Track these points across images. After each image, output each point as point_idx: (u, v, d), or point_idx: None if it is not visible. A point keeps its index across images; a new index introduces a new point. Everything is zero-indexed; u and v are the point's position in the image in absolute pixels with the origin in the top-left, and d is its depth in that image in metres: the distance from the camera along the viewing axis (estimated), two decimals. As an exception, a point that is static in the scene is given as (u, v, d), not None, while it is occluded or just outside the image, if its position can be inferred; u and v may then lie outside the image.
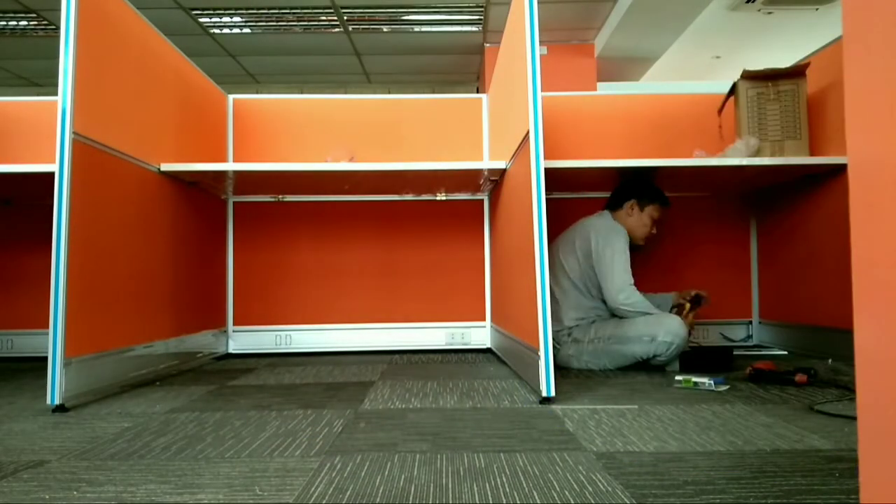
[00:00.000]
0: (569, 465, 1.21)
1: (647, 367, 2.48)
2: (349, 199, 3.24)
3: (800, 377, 2.02)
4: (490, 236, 3.21)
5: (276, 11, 6.07)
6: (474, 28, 6.52)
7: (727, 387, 2.00)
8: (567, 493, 1.06)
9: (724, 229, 3.24)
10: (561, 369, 2.43)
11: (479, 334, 3.21)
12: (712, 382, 2.00)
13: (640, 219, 2.64)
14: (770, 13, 6.14)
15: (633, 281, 2.47)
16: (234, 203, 3.22)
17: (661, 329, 2.36)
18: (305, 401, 1.93)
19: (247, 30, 6.51)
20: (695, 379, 2.04)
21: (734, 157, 2.58)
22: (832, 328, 2.60)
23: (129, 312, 2.22)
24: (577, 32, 6.49)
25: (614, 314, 2.52)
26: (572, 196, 3.22)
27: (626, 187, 2.69)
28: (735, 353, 2.55)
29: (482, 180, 2.87)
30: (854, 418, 1.94)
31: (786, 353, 2.46)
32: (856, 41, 0.57)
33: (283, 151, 3.20)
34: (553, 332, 2.45)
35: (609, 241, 2.50)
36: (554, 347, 2.49)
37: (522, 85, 1.97)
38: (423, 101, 3.33)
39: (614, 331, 2.46)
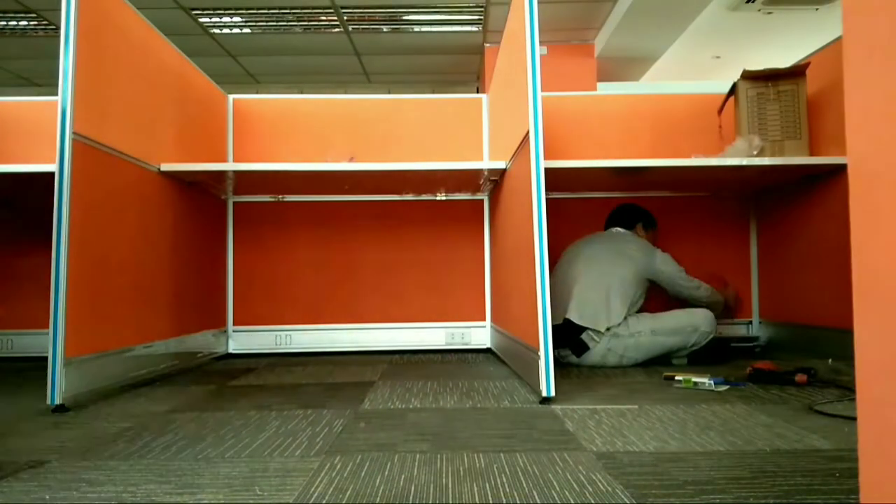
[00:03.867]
0: (569, 465, 1.21)
1: (646, 367, 2.49)
2: (349, 199, 3.24)
3: (800, 377, 2.02)
4: (490, 236, 3.21)
5: (276, 11, 6.06)
6: (474, 28, 6.52)
7: (727, 387, 2.00)
8: (567, 493, 1.06)
9: (724, 229, 3.24)
10: (562, 368, 2.43)
11: (479, 334, 3.21)
12: (712, 382, 2.00)
13: (647, 238, 2.87)
14: (770, 13, 6.14)
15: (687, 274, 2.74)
16: (234, 203, 3.22)
17: (704, 320, 2.54)
18: (305, 401, 1.93)
19: (247, 30, 6.51)
20: (695, 379, 2.04)
21: (736, 156, 2.58)
22: (832, 328, 2.60)
23: (129, 312, 2.22)
24: (577, 32, 6.49)
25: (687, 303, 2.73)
26: (572, 196, 3.22)
27: (633, 211, 2.93)
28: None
29: (482, 180, 2.87)
30: (854, 418, 1.94)
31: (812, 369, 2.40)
32: (856, 41, 0.57)
33: (283, 151, 3.20)
34: (588, 330, 2.50)
35: (664, 259, 2.68)
36: (584, 347, 2.51)
37: (522, 85, 1.97)
38: (423, 101, 3.33)
39: (654, 324, 2.53)
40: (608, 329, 2.50)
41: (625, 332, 2.50)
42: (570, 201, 3.22)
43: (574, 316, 2.54)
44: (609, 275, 2.58)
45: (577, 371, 2.46)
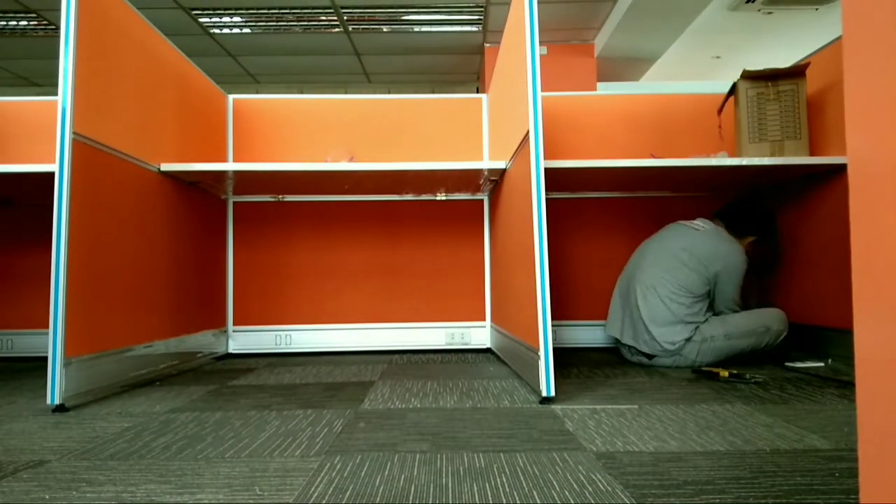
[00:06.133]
0: (569, 464, 1.21)
1: (646, 366, 2.49)
2: (349, 199, 3.24)
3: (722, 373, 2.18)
4: (490, 236, 3.22)
5: (276, 11, 6.07)
6: (474, 28, 6.52)
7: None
8: (567, 492, 1.06)
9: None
10: (561, 369, 2.43)
11: (479, 334, 3.21)
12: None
13: (747, 251, 2.60)
14: (770, 13, 6.14)
15: (740, 304, 2.57)
16: (234, 203, 3.22)
17: (775, 319, 2.48)
18: (305, 401, 1.93)
19: (247, 30, 6.51)
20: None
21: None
22: (832, 328, 2.60)
23: (129, 312, 2.22)
24: (577, 32, 6.50)
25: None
26: (572, 196, 3.22)
27: (755, 217, 2.69)
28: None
29: (482, 180, 2.87)
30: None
31: (821, 364, 2.44)
32: (856, 41, 0.57)
33: (283, 151, 3.20)
34: (654, 346, 2.45)
35: (734, 272, 2.51)
36: (648, 355, 2.50)
37: (522, 85, 1.97)
38: (423, 101, 3.33)
39: (724, 328, 2.44)
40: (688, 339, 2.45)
41: (698, 338, 2.43)
42: (570, 201, 3.22)
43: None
44: (664, 289, 2.51)
45: (577, 371, 2.46)
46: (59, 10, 1.88)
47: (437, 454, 1.30)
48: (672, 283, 2.48)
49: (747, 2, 5.84)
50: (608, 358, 2.79)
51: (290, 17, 6.20)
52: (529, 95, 1.88)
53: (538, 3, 1.87)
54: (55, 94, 1.91)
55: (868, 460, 0.56)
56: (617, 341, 2.69)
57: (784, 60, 3.28)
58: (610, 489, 1.07)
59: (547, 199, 1.87)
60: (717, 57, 7.43)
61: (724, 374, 2.17)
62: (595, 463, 1.22)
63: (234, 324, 3.18)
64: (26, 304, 3.18)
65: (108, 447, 1.40)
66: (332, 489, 1.09)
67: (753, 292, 2.72)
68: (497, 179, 2.85)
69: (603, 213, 3.23)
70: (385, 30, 6.54)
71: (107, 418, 1.71)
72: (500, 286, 2.87)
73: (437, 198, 3.25)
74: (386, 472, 1.18)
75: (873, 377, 0.55)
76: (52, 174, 1.86)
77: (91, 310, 1.98)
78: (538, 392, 1.83)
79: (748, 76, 2.75)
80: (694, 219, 2.71)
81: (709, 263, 2.49)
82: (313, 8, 6.00)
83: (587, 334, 3.15)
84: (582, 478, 1.13)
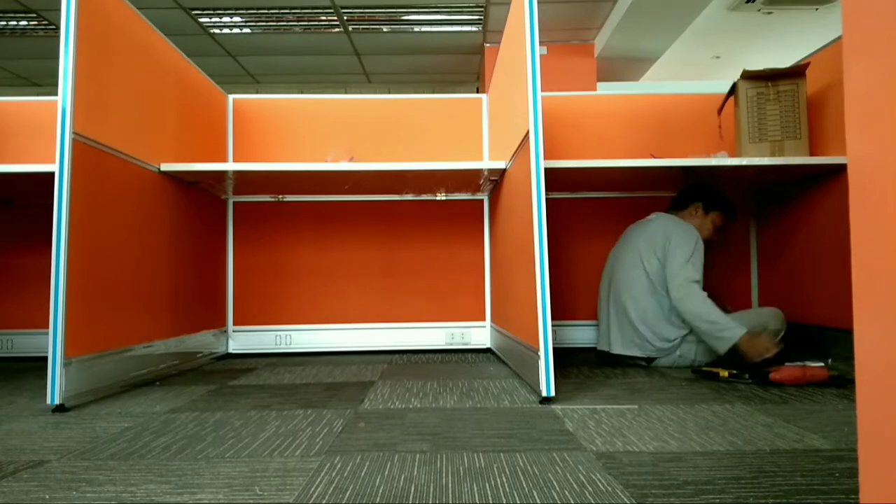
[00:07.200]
0: (569, 464, 1.21)
1: (646, 367, 2.49)
2: (349, 199, 3.24)
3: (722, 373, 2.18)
4: (490, 236, 3.22)
5: (276, 11, 6.07)
6: (474, 28, 6.52)
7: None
8: (567, 492, 1.06)
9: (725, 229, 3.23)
10: (561, 369, 2.43)
11: (479, 334, 3.21)
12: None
13: (702, 222, 2.67)
14: (770, 13, 6.14)
15: (699, 278, 2.40)
16: (234, 203, 3.22)
17: (772, 318, 2.47)
18: (305, 401, 1.93)
19: (247, 30, 6.51)
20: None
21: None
22: (832, 328, 2.60)
23: (129, 312, 2.22)
24: (577, 32, 6.49)
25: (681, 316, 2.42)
26: (572, 196, 3.22)
27: (693, 190, 2.73)
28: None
29: (482, 180, 2.87)
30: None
31: (821, 364, 2.41)
32: (856, 41, 0.57)
33: (283, 151, 3.20)
34: (648, 348, 2.45)
35: (682, 241, 2.45)
36: (649, 359, 2.49)
37: (522, 85, 1.97)
38: (423, 101, 3.33)
39: None
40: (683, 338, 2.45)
41: (694, 338, 2.42)
42: (570, 201, 3.22)
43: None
44: (639, 294, 2.51)
45: (576, 371, 2.46)
46: (59, 10, 1.88)
47: (437, 454, 1.30)
48: (646, 276, 2.49)
49: (747, 2, 5.84)
50: (608, 358, 2.78)
51: (290, 17, 6.20)
52: (529, 95, 1.88)
53: (538, 3, 1.87)
54: (55, 94, 1.91)
55: (868, 460, 0.56)
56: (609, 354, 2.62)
57: (784, 60, 3.28)
58: (610, 489, 1.07)
59: (547, 199, 1.87)
60: (717, 57, 7.43)
61: (724, 374, 2.17)
62: (595, 463, 1.22)
63: (234, 324, 3.18)
64: (26, 304, 3.18)
65: (108, 447, 1.40)
66: (332, 489, 1.09)
67: (721, 298, 2.70)
68: (497, 179, 2.85)
69: (603, 213, 3.23)
70: (385, 30, 6.53)
71: (107, 418, 1.71)
72: (500, 286, 2.87)
73: (437, 198, 3.25)
74: (386, 472, 1.18)
75: (873, 377, 0.55)
76: (52, 174, 1.86)
77: (91, 310, 1.98)
78: (538, 392, 1.83)
79: (748, 76, 2.75)
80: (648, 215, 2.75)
81: (664, 242, 2.50)
82: (313, 8, 6.00)
83: (587, 334, 3.16)
84: (582, 478, 1.13)
